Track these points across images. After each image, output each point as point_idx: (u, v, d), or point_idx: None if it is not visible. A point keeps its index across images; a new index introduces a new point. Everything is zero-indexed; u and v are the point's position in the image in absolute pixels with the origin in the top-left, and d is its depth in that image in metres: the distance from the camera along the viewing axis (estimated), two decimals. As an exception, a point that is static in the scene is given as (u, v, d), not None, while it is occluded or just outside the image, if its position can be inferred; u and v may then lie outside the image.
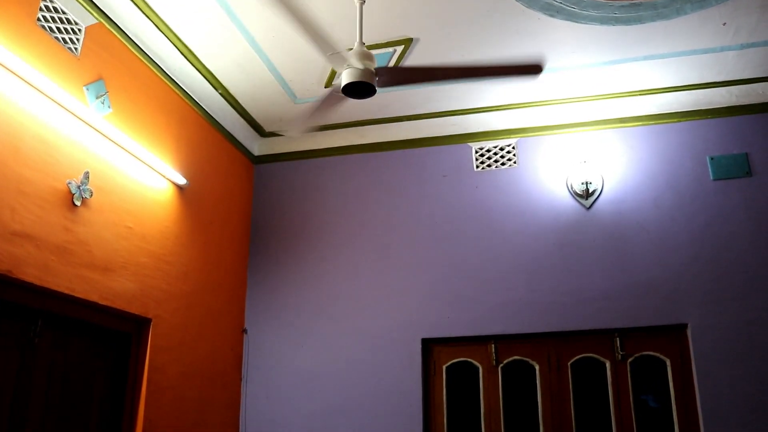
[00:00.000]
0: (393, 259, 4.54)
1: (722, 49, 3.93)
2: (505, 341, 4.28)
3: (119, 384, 3.42)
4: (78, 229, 3.06)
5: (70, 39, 3.12)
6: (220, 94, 4.34)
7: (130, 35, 3.55)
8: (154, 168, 3.69)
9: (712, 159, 4.26)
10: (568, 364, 4.19)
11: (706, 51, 3.95)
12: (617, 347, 4.13)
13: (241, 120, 4.69)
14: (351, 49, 2.99)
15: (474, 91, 4.37)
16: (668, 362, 4.07)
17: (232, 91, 4.37)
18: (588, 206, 4.35)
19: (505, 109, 4.56)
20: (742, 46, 3.90)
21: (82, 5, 3.19)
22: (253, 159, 5.00)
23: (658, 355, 4.10)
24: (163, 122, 3.86)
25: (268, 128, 4.89)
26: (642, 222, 4.24)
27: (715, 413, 3.82)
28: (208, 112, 4.37)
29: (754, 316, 3.91)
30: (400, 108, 4.59)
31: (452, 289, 4.38)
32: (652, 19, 3.62)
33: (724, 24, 3.68)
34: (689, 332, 4.02)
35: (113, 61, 3.42)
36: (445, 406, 4.25)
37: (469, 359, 4.33)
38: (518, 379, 4.23)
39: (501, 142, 4.63)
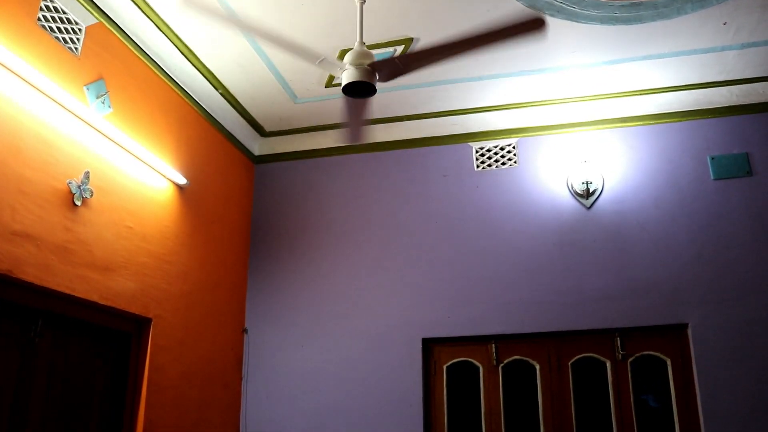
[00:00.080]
0: (393, 258, 4.54)
1: (723, 49, 3.93)
2: (505, 341, 4.28)
3: (119, 384, 3.42)
4: (78, 229, 3.06)
5: (71, 39, 3.12)
6: (221, 93, 4.34)
7: (130, 35, 3.55)
8: (155, 168, 3.69)
9: (712, 159, 4.26)
10: (569, 363, 4.19)
11: (706, 50, 3.94)
12: (618, 347, 4.12)
13: (242, 120, 4.69)
14: (351, 49, 3.00)
15: (474, 90, 4.37)
16: (669, 362, 4.07)
17: (232, 90, 4.37)
18: (588, 206, 4.35)
19: (505, 108, 4.56)
20: (743, 46, 3.90)
21: (83, 5, 3.19)
22: (254, 159, 5.00)
23: (658, 354, 4.10)
24: (164, 122, 3.86)
25: (268, 128, 4.90)
26: (642, 222, 4.24)
27: (716, 413, 3.82)
28: (209, 111, 4.37)
29: (754, 316, 3.91)
30: (400, 108, 4.59)
31: (453, 288, 4.38)
32: (653, 18, 3.62)
33: (725, 23, 3.68)
34: (690, 332, 4.02)
35: (113, 61, 3.42)
36: (445, 405, 4.25)
37: (469, 359, 4.33)
38: (519, 379, 4.23)
39: (501, 142, 4.63)
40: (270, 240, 4.80)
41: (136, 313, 3.45)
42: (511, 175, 4.54)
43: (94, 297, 3.12)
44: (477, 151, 4.65)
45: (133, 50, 3.59)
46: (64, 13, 3.09)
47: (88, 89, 3.20)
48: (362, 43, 3.03)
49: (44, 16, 2.97)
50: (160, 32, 3.66)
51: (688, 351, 4.02)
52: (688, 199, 4.22)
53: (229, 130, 4.64)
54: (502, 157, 4.60)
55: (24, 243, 2.74)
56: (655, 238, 4.19)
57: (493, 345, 4.28)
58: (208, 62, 4.04)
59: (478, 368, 4.29)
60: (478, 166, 4.62)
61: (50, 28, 3.00)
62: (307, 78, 4.23)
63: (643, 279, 4.13)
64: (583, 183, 4.36)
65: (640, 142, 4.41)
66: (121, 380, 3.43)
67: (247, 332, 4.62)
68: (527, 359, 4.25)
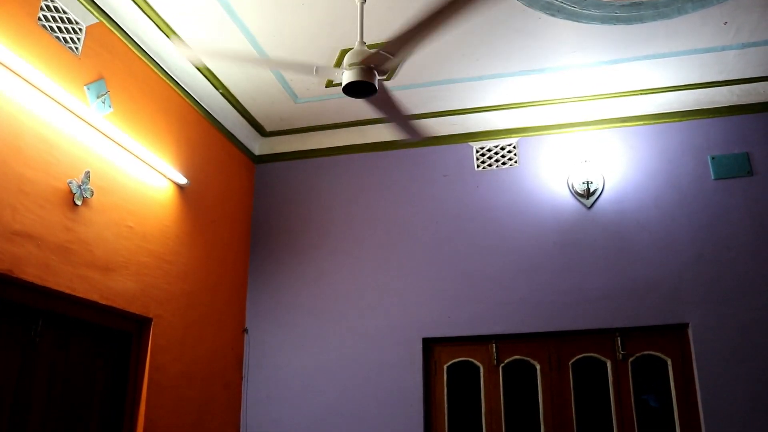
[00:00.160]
0: (394, 258, 4.54)
1: (723, 49, 3.93)
2: (505, 341, 4.28)
3: (120, 383, 3.42)
4: (79, 229, 3.06)
5: (71, 38, 3.12)
6: (221, 93, 4.34)
7: (130, 35, 3.55)
8: (155, 167, 3.69)
9: (713, 158, 4.25)
10: (569, 363, 4.19)
11: (707, 50, 3.94)
12: (618, 347, 4.12)
13: (242, 119, 4.69)
14: (351, 49, 3.00)
15: (475, 90, 4.37)
16: (669, 362, 4.06)
17: (232, 90, 4.37)
18: (589, 206, 4.35)
19: (505, 108, 4.56)
20: (743, 46, 3.90)
21: (83, 5, 3.20)
22: (254, 158, 5.00)
23: (659, 354, 4.10)
24: (164, 122, 3.86)
25: (268, 128, 4.90)
26: (643, 221, 4.24)
27: (716, 413, 3.81)
28: (209, 111, 4.37)
29: (755, 316, 3.91)
30: (400, 107, 4.58)
31: (453, 288, 4.38)
32: (653, 18, 3.62)
33: (725, 23, 3.68)
34: (690, 332, 4.02)
35: (114, 61, 3.42)
36: (446, 405, 4.25)
37: (470, 359, 4.32)
38: (519, 379, 4.23)
39: (502, 142, 4.63)
40: (270, 240, 4.80)
41: (137, 312, 3.45)
42: (512, 174, 4.54)
43: (94, 297, 3.12)
44: (477, 151, 4.65)
45: (134, 50, 3.60)
46: (64, 12, 3.09)
47: (88, 89, 3.20)
48: (362, 43, 3.03)
49: (45, 16, 2.97)
50: (161, 32, 3.66)
51: (689, 351, 4.02)
52: (688, 199, 4.22)
53: (230, 130, 4.64)
54: (503, 156, 4.60)
55: (24, 243, 2.74)
56: (656, 237, 4.19)
57: (494, 345, 4.28)
58: (208, 62, 4.03)
59: (478, 368, 4.29)
60: (478, 166, 4.62)
61: (51, 27, 3.00)
62: (307, 78, 4.22)
63: (643, 279, 4.13)
64: (583, 183, 4.36)
65: (640, 142, 4.41)
66: (122, 380, 3.43)
67: (247, 332, 4.62)
68: (528, 359, 4.25)
